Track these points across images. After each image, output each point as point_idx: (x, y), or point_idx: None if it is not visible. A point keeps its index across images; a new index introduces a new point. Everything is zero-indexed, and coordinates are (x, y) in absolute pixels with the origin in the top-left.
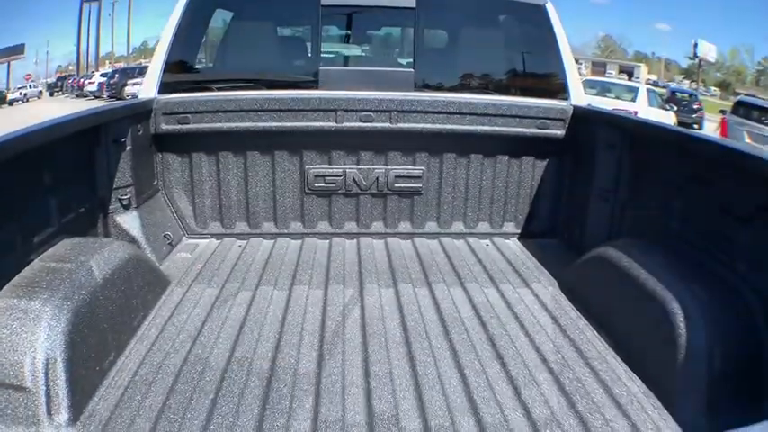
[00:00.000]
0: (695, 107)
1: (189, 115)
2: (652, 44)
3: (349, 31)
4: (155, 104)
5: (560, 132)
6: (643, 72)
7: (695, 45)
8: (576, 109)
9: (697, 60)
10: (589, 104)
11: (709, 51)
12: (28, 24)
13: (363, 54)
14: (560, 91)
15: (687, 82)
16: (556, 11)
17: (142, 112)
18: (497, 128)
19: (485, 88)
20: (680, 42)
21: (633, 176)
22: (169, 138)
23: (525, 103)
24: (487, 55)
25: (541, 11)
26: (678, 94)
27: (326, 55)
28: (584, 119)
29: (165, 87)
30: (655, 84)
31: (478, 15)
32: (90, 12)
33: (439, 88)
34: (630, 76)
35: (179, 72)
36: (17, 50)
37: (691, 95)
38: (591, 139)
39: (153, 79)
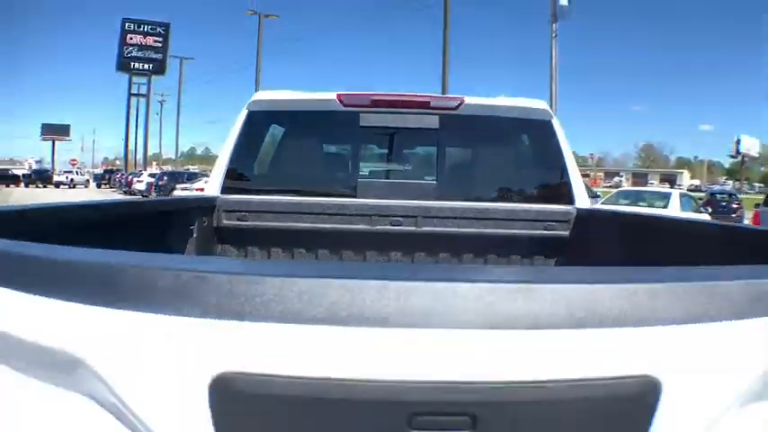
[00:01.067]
0: (734, 206)
1: (246, 213)
2: (694, 148)
3: (383, 149)
4: (217, 202)
5: (566, 233)
6: (685, 178)
7: (737, 142)
8: (580, 211)
9: (740, 158)
10: (594, 207)
11: (752, 146)
12: (75, 107)
13: (395, 169)
14: (566, 196)
15: (731, 182)
16: (560, 125)
17: (207, 206)
18: (510, 230)
19: (499, 196)
20: (723, 141)
21: (633, 262)
22: (228, 231)
23: (534, 208)
24: (501, 167)
25: (548, 126)
26: (718, 195)
27: (364, 171)
28: (586, 218)
29: (226, 189)
30: (697, 188)
31: (492, 133)
32: (138, 106)
33: (458, 197)
34: (672, 183)
35: (237, 177)
36: (63, 131)
37: (730, 195)
38: (592, 234)
39: (216, 181)
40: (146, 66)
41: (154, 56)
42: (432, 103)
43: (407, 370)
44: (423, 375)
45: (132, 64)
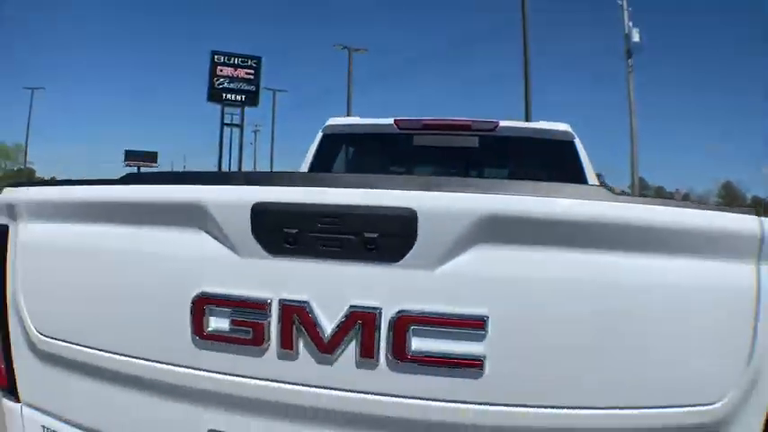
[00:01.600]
0: None
1: None
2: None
3: (432, 165)
4: None
5: None
6: None
7: None
8: None
9: None
10: None
11: None
12: (164, 134)
13: None
14: None
15: None
16: (582, 144)
17: None
18: None
19: None
20: None
21: None
22: None
23: None
24: (530, 180)
25: (571, 145)
26: None
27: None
28: None
29: None
30: None
31: (523, 151)
32: (231, 135)
33: None
34: None
35: None
36: (149, 158)
37: None
38: None
39: None
40: (238, 97)
41: (246, 87)
42: (472, 126)
43: None
44: None
45: (224, 95)
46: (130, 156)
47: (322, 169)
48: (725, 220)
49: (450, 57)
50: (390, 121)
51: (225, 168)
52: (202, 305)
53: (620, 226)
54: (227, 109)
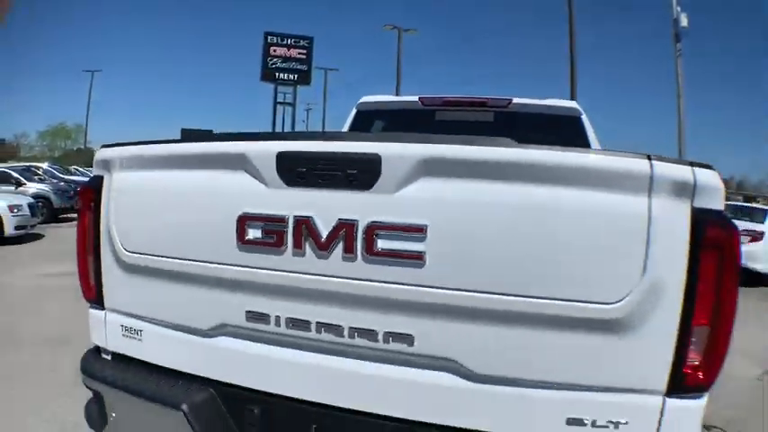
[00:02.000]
0: None
1: None
2: None
3: None
4: None
5: None
6: None
7: None
8: None
9: None
10: None
11: None
12: (220, 114)
13: None
14: None
15: None
16: (589, 120)
17: None
18: None
19: None
20: None
21: None
22: None
23: None
24: None
25: (578, 121)
26: None
27: None
28: None
29: None
30: None
31: (534, 126)
32: (284, 114)
33: None
34: None
35: None
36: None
37: None
38: None
39: None
40: (290, 76)
41: (298, 67)
42: (488, 103)
43: None
44: None
45: (277, 74)
46: (185, 134)
47: None
48: (621, 163)
49: (498, 37)
50: (416, 98)
51: None
52: (244, 222)
53: (525, 165)
54: (279, 88)
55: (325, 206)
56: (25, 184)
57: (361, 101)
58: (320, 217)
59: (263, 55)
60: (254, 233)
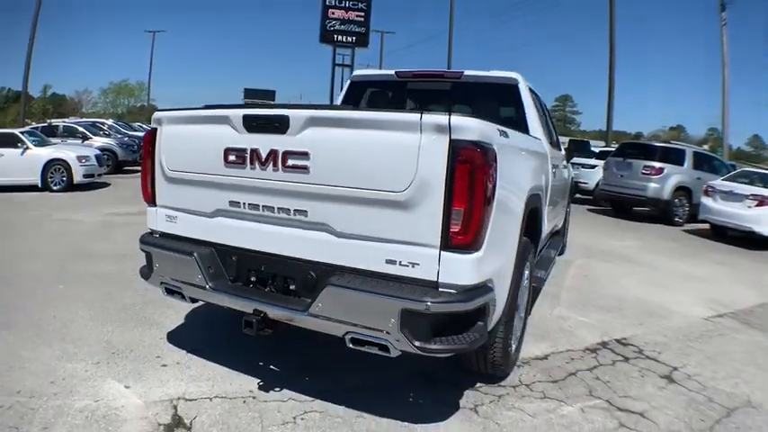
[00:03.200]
0: None
1: None
2: None
3: (420, 103)
4: None
5: None
6: None
7: None
8: None
9: None
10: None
11: None
12: (281, 75)
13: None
14: (525, 131)
15: None
16: (524, 85)
17: None
18: None
19: None
20: None
21: None
22: None
23: (535, 140)
24: (488, 113)
25: (516, 88)
26: None
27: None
28: None
29: None
30: None
31: (482, 93)
32: (343, 76)
33: None
34: None
35: None
36: (268, 96)
37: None
38: None
39: None
40: (348, 38)
41: (356, 29)
42: (445, 75)
43: None
44: None
45: (335, 36)
46: (249, 93)
47: (351, 102)
48: (403, 116)
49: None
50: (393, 72)
51: None
52: (227, 152)
53: (355, 119)
54: (338, 50)
55: (264, 142)
56: (91, 138)
57: (353, 74)
58: (262, 148)
59: (321, 17)
60: (231, 157)
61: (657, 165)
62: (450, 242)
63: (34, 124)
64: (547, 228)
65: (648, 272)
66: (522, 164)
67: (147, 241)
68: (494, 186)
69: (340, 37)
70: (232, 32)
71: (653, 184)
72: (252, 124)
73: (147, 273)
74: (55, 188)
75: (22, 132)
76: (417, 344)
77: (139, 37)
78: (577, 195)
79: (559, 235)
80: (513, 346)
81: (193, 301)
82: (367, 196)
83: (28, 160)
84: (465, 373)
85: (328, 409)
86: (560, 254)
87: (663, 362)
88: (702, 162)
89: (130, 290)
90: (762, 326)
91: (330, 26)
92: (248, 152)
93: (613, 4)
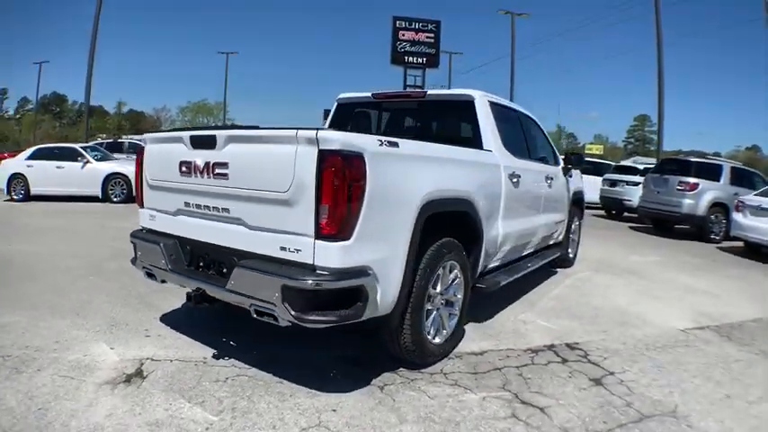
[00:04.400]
0: None
1: None
2: None
3: (393, 119)
4: None
5: None
6: None
7: None
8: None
9: None
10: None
11: None
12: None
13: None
14: (478, 145)
15: None
16: (482, 101)
17: None
18: None
19: (444, 143)
20: None
21: None
22: None
23: (479, 152)
24: (449, 127)
25: (472, 104)
26: None
27: (387, 128)
28: None
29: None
30: None
31: (444, 109)
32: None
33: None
34: None
35: None
36: None
37: None
38: None
39: None
40: (419, 60)
41: (427, 50)
42: (412, 95)
43: None
44: None
45: (406, 58)
46: (327, 114)
47: (338, 124)
48: (283, 132)
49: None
50: (369, 94)
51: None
52: (181, 164)
53: (251, 136)
54: (409, 71)
55: (202, 156)
56: None
57: (339, 97)
58: (200, 160)
59: (392, 39)
60: (183, 168)
61: (692, 180)
62: (320, 232)
63: (100, 139)
64: (501, 233)
65: (648, 284)
66: (418, 170)
67: (134, 235)
68: (360, 187)
69: (411, 58)
70: (308, 55)
71: (687, 200)
72: (195, 142)
73: (134, 260)
74: (115, 200)
75: (83, 147)
76: (294, 314)
77: (220, 58)
78: (625, 214)
79: (560, 247)
80: (432, 337)
81: (163, 281)
82: (265, 196)
83: (88, 173)
84: (393, 361)
85: (258, 374)
86: (563, 266)
87: (602, 366)
88: (741, 177)
89: (147, 283)
90: (741, 340)
91: (401, 48)
92: (193, 164)
93: (661, 41)
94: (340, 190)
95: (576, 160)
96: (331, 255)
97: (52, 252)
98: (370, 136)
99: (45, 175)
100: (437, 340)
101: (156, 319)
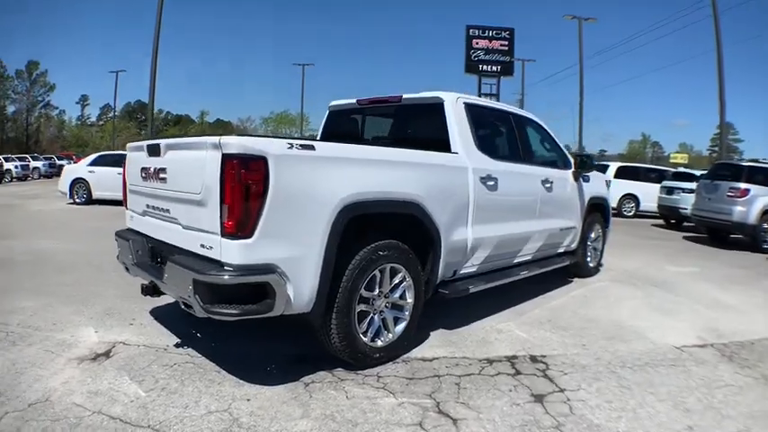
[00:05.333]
0: None
1: None
2: None
3: (376, 123)
4: None
5: None
6: None
7: None
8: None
9: None
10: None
11: None
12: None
13: (381, 132)
14: (447, 147)
15: None
16: (453, 104)
17: None
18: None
19: (418, 146)
20: None
21: None
22: None
23: (431, 153)
24: (421, 129)
25: (441, 106)
26: None
27: (369, 133)
28: None
29: None
30: None
31: (417, 112)
32: None
33: (401, 145)
34: None
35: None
36: None
37: None
38: None
39: None
40: (493, 68)
41: (501, 59)
42: (389, 100)
43: None
44: None
45: (480, 66)
46: None
47: (330, 131)
48: (201, 139)
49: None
50: (354, 100)
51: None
52: (141, 170)
53: (183, 143)
54: (483, 79)
55: (153, 162)
56: None
57: (330, 104)
58: (152, 166)
59: (465, 47)
60: (143, 174)
61: (743, 186)
62: (224, 230)
63: None
64: (472, 239)
65: (669, 297)
66: (338, 172)
67: (116, 233)
68: (260, 188)
69: (485, 67)
70: (384, 66)
71: (738, 208)
72: (149, 150)
73: (117, 256)
74: None
75: None
76: (203, 306)
77: (308, 70)
78: (685, 223)
79: (573, 255)
80: (369, 339)
81: (136, 275)
82: (187, 197)
83: None
84: (338, 361)
85: (203, 363)
86: (580, 275)
87: (556, 382)
88: None
89: None
90: (745, 361)
91: (475, 56)
92: (148, 170)
93: (721, 50)
94: (240, 191)
95: (584, 163)
96: (233, 251)
97: (92, 250)
98: (278, 139)
99: (106, 180)
100: (378, 343)
101: (146, 311)
